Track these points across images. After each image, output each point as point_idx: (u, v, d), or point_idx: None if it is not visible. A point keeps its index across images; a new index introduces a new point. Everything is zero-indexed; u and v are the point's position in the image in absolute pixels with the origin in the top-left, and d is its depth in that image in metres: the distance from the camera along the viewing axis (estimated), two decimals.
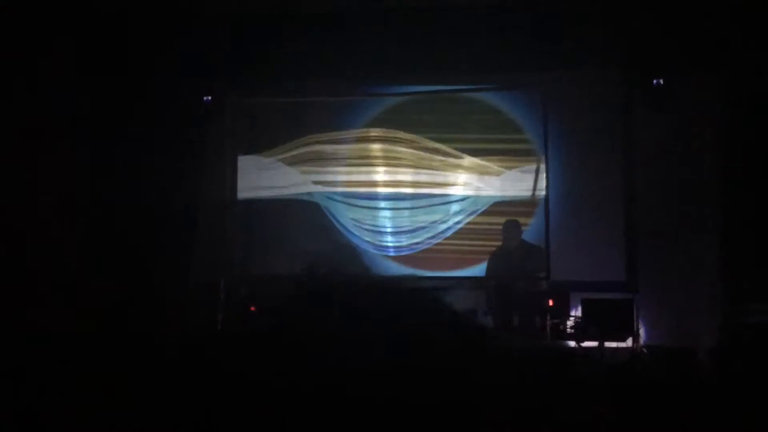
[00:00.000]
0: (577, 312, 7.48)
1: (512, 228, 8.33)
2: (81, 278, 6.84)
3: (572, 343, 7.22)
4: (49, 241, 6.86)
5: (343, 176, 9.00)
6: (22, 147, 6.99)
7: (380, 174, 8.97)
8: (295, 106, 9.07)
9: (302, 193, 9.03)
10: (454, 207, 8.79)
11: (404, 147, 8.93)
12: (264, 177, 9.08)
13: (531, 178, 8.59)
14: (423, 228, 8.84)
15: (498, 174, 8.71)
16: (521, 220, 8.50)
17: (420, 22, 8.32)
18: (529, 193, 8.59)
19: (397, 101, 9.07)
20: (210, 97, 8.76)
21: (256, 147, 9.13)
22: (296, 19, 8.39)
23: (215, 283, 8.35)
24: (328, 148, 9.01)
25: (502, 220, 8.48)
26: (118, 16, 7.64)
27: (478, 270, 8.49)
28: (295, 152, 9.07)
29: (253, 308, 8.19)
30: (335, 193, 8.99)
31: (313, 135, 9.02)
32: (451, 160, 8.83)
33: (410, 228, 8.87)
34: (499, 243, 8.42)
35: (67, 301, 6.26)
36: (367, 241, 8.93)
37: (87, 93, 7.59)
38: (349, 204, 8.97)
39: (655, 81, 8.08)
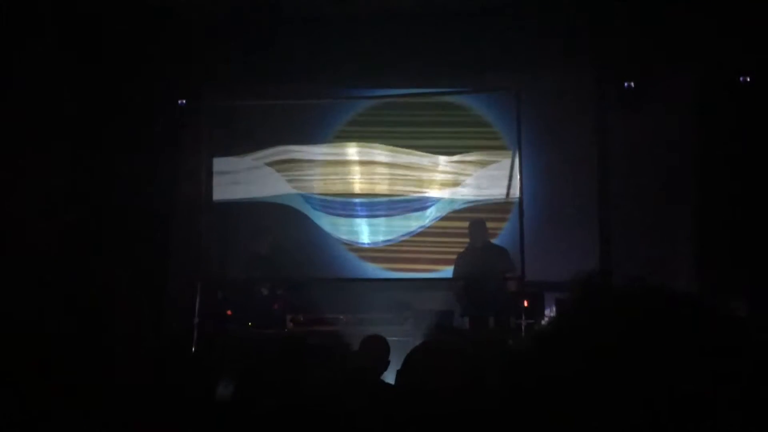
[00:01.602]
0: (551, 312, 7.51)
1: (478, 227, 8.35)
2: (57, 279, 6.79)
3: None
4: (24, 242, 6.81)
5: (320, 181, 9.00)
6: None
7: (356, 179, 8.98)
8: (270, 109, 9.05)
9: (279, 195, 9.01)
10: (430, 209, 8.81)
11: (379, 151, 8.95)
12: (240, 177, 9.06)
13: (505, 178, 8.62)
14: (398, 230, 8.86)
15: (472, 175, 8.75)
16: (496, 222, 8.54)
17: (395, 26, 8.34)
18: (503, 194, 8.64)
19: (372, 104, 9.11)
20: (185, 101, 8.71)
21: (232, 152, 9.12)
22: (271, 23, 8.39)
23: (191, 287, 8.30)
24: (305, 157, 9.01)
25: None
26: (95, 16, 7.60)
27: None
28: (270, 158, 9.08)
29: (230, 312, 8.15)
30: (312, 195, 8.99)
31: (288, 146, 9.03)
32: (426, 162, 8.86)
33: (386, 230, 8.89)
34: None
35: (42, 302, 6.22)
36: (343, 242, 8.94)
37: (64, 94, 7.55)
38: (324, 207, 8.97)
39: (626, 83, 8.11)
